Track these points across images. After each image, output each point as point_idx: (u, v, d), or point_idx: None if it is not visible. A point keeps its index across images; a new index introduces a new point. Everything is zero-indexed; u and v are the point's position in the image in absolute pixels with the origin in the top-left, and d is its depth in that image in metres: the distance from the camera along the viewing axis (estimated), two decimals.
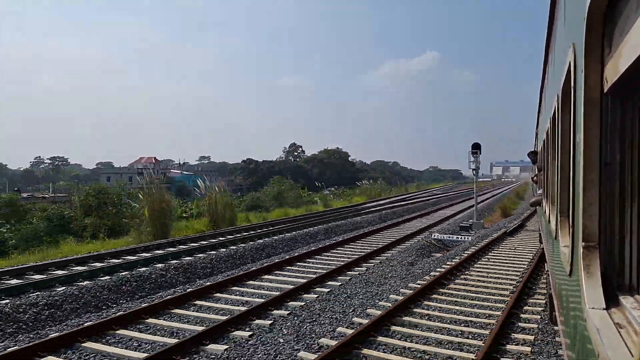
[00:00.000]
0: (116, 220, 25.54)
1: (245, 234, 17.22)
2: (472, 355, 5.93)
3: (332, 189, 56.23)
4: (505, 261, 12.36)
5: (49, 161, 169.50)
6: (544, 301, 8.24)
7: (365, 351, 6.11)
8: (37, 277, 10.17)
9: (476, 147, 20.83)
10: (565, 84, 2.42)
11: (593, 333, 1.45)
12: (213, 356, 6.09)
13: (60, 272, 10.67)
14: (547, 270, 6.32)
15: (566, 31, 2.42)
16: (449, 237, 16.94)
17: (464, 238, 16.71)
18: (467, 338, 6.65)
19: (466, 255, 12.73)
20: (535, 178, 10.13)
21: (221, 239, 15.92)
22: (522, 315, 7.68)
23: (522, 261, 12.25)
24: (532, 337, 6.62)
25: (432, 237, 16.76)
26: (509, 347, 6.32)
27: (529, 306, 8.20)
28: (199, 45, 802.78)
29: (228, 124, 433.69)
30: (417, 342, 6.47)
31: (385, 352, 6.13)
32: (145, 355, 6.03)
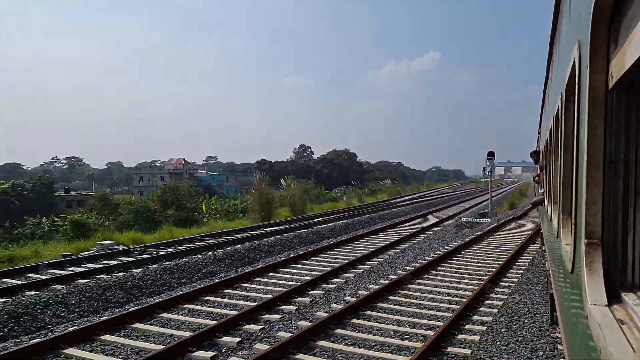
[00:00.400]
0: (189, 213, 32.61)
1: (331, 216, 24.06)
2: (505, 259, 12.69)
3: (342, 188, 61.50)
4: (515, 231, 19.16)
5: (65, 161, 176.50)
6: (536, 247, 14.94)
7: (454, 258, 12.94)
8: (239, 235, 17.31)
9: (491, 154, 27.63)
10: (570, 81, 2.40)
11: (595, 329, 1.45)
12: (380, 260, 12.80)
13: (247, 234, 17.53)
14: (548, 270, 6.70)
15: (571, 28, 2.44)
16: (474, 219, 23.68)
17: (485, 220, 23.44)
18: (500, 255, 13.47)
19: (490, 228, 19.52)
20: (537, 178, 10.49)
21: (313, 220, 22.68)
22: (527, 250, 14.48)
23: (526, 232, 19.00)
24: (532, 256, 13.44)
25: (462, 220, 23.51)
26: (521, 258, 13.16)
27: (530, 248, 14.97)
28: (199, 45, 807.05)
29: (228, 124, 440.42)
30: (475, 258, 13.28)
31: (463, 258, 12.94)
32: (321, 271, 12.75)
